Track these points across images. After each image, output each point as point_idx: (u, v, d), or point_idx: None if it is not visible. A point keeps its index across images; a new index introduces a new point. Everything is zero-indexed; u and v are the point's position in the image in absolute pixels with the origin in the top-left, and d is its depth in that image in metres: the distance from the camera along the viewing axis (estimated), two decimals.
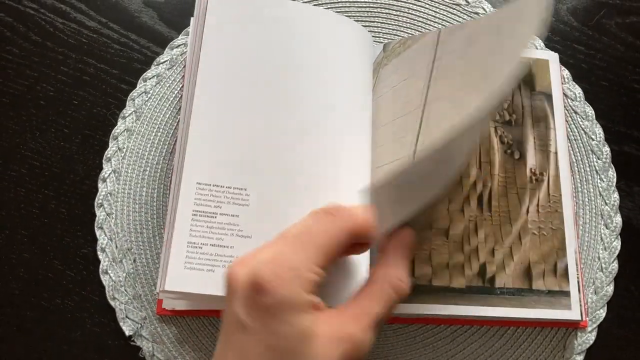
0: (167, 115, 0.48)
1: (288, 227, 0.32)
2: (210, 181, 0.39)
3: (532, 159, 0.44)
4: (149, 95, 0.48)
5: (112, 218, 0.45)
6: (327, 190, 0.40)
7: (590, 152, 0.48)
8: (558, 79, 0.47)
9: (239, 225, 0.39)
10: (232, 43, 0.42)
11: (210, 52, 0.41)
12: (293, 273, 0.29)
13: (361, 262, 0.39)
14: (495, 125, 0.45)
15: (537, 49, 0.50)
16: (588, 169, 0.47)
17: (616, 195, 0.47)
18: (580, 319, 0.41)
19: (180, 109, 0.47)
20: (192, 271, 0.38)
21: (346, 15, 0.50)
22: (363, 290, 0.33)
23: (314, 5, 0.50)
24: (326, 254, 0.31)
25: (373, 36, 0.49)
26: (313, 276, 0.30)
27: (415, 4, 0.51)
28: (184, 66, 0.49)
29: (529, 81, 0.46)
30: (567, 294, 0.42)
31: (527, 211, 0.43)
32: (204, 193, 0.39)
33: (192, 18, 0.46)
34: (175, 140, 0.47)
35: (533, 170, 0.44)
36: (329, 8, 0.50)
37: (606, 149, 0.48)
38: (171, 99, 0.48)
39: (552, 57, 0.47)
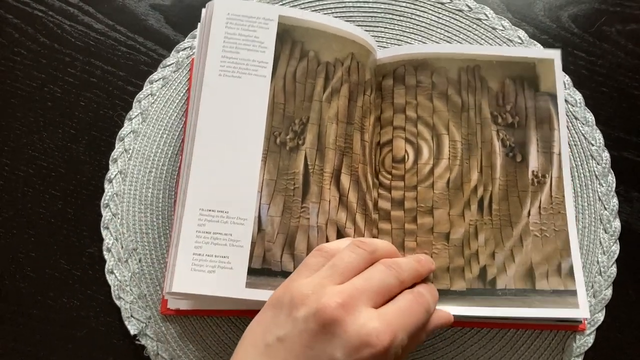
0: (173, 117, 0.48)
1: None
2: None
3: (534, 162, 0.45)
4: (155, 97, 0.49)
5: (118, 218, 0.46)
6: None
7: (590, 157, 0.48)
8: (562, 77, 0.47)
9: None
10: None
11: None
12: (399, 341, 0.33)
13: None
14: (497, 128, 0.45)
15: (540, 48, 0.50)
16: (588, 174, 0.48)
17: (615, 200, 0.47)
18: (589, 316, 0.42)
19: (185, 110, 0.48)
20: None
21: (350, 21, 0.50)
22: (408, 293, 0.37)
23: (318, 11, 0.51)
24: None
25: (377, 41, 0.49)
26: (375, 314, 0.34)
27: (418, 10, 0.52)
28: (190, 69, 0.49)
29: (533, 82, 0.47)
30: (573, 292, 0.42)
31: (529, 214, 0.44)
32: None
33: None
34: (181, 143, 0.47)
35: (535, 173, 0.45)
36: (332, 13, 0.51)
37: (606, 155, 0.48)
38: (177, 101, 0.49)
39: (557, 55, 0.47)
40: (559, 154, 0.45)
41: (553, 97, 0.46)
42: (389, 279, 0.36)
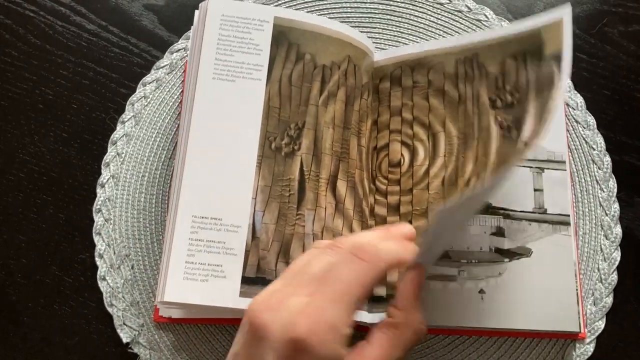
0: (167, 121, 0.48)
1: (305, 263, 0.30)
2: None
3: (527, 132, 0.38)
4: (148, 100, 0.48)
5: (111, 224, 0.45)
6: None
7: (591, 161, 0.47)
8: (570, 32, 0.39)
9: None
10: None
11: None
12: (332, 331, 0.28)
13: None
14: (495, 112, 0.42)
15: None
16: (589, 179, 0.47)
17: (616, 205, 0.47)
18: (579, 330, 0.41)
19: (179, 114, 0.47)
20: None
21: (347, 22, 0.49)
22: (385, 334, 0.31)
23: (315, 12, 0.50)
24: (358, 304, 0.29)
25: (374, 43, 0.48)
26: (349, 331, 0.29)
27: (416, 11, 0.51)
28: (184, 71, 0.48)
29: (537, 51, 0.40)
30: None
31: None
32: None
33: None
34: (174, 147, 0.47)
35: (526, 142, 0.39)
36: (329, 15, 0.50)
37: (607, 159, 0.48)
38: (171, 103, 0.48)
39: (566, 12, 0.38)
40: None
41: (558, 58, 0.37)
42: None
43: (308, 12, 0.49)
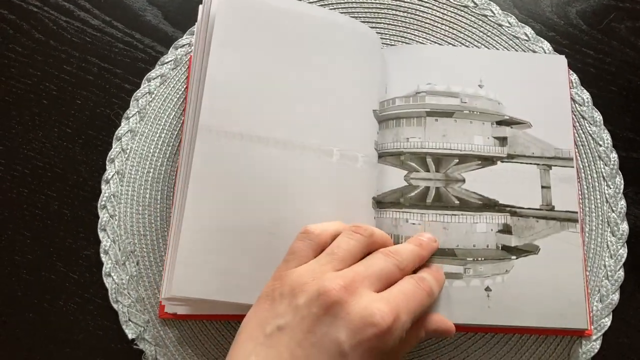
0: (172, 116, 0.47)
1: (337, 245, 0.36)
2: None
3: None
4: (153, 96, 0.48)
5: (115, 220, 0.45)
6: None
7: (597, 158, 0.47)
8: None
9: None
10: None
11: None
12: (402, 322, 0.33)
13: None
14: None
15: (545, 52, 0.49)
16: (595, 176, 0.47)
17: (623, 202, 0.46)
18: (586, 327, 0.41)
19: (184, 109, 0.47)
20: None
21: (352, 17, 0.49)
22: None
23: (321, 5, 0.50)
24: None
25: (381, 38, 0.48)
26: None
27: (422, 6, 0.50)
28: (188, 67, 0.48)
29: None
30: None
31: None
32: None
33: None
34: (179, 142, 0.46)
35: None
36: (335, 9, 0.50)
37: (614, 155, 0.47)
38: (175, 99, 0.48)
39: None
40: None
41: None
42: (390, 266, 0.36)
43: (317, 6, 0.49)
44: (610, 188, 0.47)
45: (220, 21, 0.42)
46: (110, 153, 0.46)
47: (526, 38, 0.50)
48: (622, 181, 0.47)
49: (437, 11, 0.50)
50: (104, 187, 0.46)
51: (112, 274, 0.44)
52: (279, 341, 0.32)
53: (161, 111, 0.47)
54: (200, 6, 0.44)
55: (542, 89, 0.46)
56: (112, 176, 0.46)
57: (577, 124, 0.48)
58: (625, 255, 0.45)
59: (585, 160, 0.47)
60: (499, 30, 0.50)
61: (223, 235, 0.39)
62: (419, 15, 0.50)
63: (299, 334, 0.32)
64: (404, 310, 0.33)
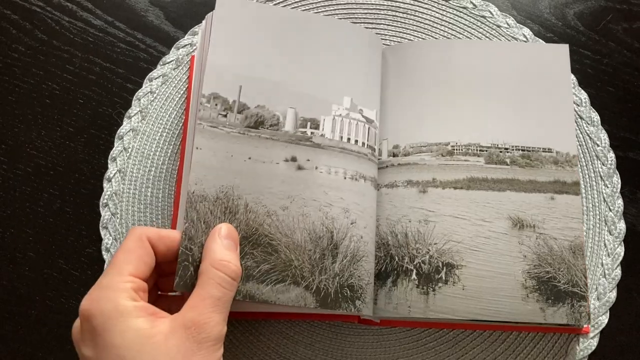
0: (173, 116, 0.48)
1: None
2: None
3: None
4: (154, 95, 0.48)
5: (117, 218, 0.45)
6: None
7: (595, 157, 0.48)
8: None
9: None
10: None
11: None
12: (108, 289, 0.32)
13: None
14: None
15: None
16: (593, 175, 0.47)
17: (620, 201, 0.47)
18: (583, 325, 0.42)
19: (185, 108, 0.47)
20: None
21: (352, 19, 0.50)
22: (197, 284, 0.35)
23: (322, 11, 0.50)
24: (135, 263, 0.34)
25: (380, 38, 0.49)
26: (129, 284, 0.33)
27: (421, 7, 0.51)
28: (190, 66, 0.49)
29: None
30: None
31: None
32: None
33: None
34: (181, 142, 0.47)
35: None
36: (335, 12, 0.50)
37: (611, 155, 0.48)
38: (177, 99, 0.48)
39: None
40: None
41: None
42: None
43: (316, 10, 0.50)
44: (608, 187, 0.47)
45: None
46: (112, 152, 0.47)
47: (524, 39, 0.50)
48: (620, 180, 0.47)
49: (437, 12, 0.51)
50: (105, 185, 0.46)
51: None
52: None
53: (163, 110, 0.48)
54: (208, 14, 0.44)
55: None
56: (114, 175, 0.46)
57: (575, 124, 0.48)
58: (622, 253, 0.46)
59: (583, 160, 0.48)
60: (497, 31, 0.50)
61: None
62: (417, 17, 0.51)
63: None
64: None
